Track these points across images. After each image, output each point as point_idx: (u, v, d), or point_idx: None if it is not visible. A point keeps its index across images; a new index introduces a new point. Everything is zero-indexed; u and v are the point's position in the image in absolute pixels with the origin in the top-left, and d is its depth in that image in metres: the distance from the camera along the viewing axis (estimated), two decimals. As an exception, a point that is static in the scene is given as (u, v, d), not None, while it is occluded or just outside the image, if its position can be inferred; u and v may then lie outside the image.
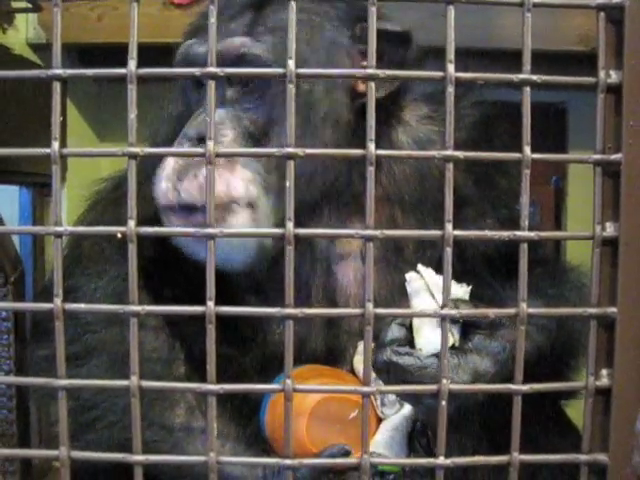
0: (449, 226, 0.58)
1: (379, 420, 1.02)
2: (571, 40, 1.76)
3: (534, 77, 0.59)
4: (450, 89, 0.58)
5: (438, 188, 1.02)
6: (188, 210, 0.90)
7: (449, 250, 0.59)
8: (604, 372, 0.63)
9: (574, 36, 1.76)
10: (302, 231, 0.59)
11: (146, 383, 0.59)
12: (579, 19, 1.74)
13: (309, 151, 0.60)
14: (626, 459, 0.62)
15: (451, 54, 0.58)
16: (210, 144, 0.58)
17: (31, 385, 1.06)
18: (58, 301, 0.58)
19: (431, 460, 0.59)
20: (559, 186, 2.25)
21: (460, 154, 0.58)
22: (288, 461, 0.59)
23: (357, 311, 0.60)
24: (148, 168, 0.95)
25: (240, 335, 1.06)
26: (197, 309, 0.58)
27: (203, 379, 0.59)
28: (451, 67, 0.58)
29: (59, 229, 0.59)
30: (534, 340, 0.89)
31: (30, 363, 1.07)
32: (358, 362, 1.04)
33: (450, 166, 0.58)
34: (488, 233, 0.61)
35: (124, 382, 0.59)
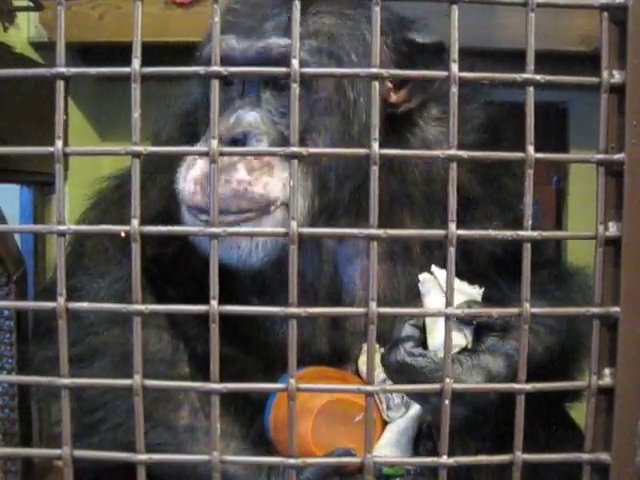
0: (452, 226, 0.58)
1: (385, 424, 1.02)
2: (573, 40, 1.76)
3: (538, 77, 0.59)
4: (454, 89, 0.58)
5: (446, 191, 1.02)
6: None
7: (452, 250, 0.59)
8: (607, 371, 0.63)
9: (576, 36, 1.76)
10: (306, 230, 0.59)
11: (149, 382, 0.59)
12: (581, 19, 1.74)
13: (312, 150, 0.61)
14: (629, 458, 0.62)
15: (455, 53, 0.58)
16: (214, 143, 0.58)
17: (34, 384, 1.06)
18: (61, 300, 0.58)
19: (434, 459, 0.59)
20: (560, 186, 2.25)
21: (464, 153, 0.58)
22: (292, 460, 0.59)
23: (360, 310, 0.60)
24: (149, 166, 0.94)
25: (245, 336, 1.06)
26: (201, 308, 0.58)
27: (207, 380, 0.59)
28: (455, 67, 0.58)
29: (62, 228, 0.59)
30: (544, 342, 0.89)
31: (32, 364, 1.07)
32: (363, 363, 1.04)
33: (454, 165, 0.58)
34: (492, 233, 0.61)
35: (127, 381, 0.59)
